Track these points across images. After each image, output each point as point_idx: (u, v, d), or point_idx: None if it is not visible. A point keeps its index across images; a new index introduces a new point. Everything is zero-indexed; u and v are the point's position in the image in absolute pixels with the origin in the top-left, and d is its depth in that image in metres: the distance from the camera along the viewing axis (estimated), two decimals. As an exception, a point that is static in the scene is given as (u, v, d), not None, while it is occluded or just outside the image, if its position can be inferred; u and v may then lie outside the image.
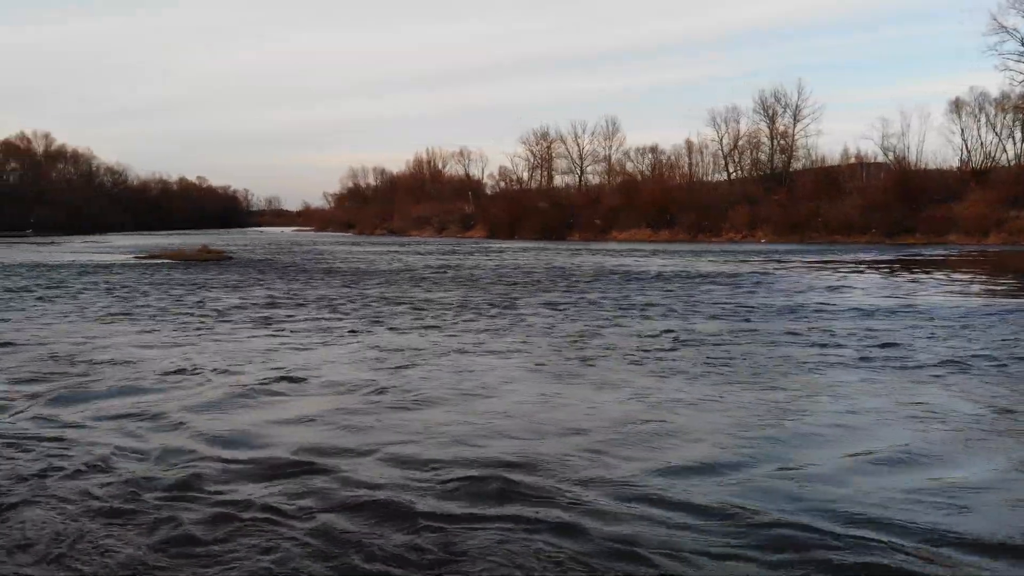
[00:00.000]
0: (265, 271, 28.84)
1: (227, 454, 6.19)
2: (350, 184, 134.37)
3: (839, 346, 11.39)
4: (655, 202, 65.81)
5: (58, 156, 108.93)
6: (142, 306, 17.09)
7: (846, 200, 59.00)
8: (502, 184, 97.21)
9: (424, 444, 6.46)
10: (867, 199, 57.29)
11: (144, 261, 35.06)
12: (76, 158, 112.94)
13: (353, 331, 13.29)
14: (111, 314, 15.66)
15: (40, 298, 18.78)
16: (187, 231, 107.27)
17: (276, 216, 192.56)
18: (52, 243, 59.23)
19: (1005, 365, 9.80)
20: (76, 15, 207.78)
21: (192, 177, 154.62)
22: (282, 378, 9.19)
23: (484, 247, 51.88)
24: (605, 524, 4.74)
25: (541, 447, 6.37)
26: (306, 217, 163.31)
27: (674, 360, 10.40)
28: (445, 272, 28.19)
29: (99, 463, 5.91)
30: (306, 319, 14.94)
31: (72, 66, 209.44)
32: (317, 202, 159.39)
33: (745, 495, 5.22)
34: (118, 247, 50.88)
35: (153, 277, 25.75)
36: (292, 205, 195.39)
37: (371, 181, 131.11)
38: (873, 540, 4.47)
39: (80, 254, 41.46)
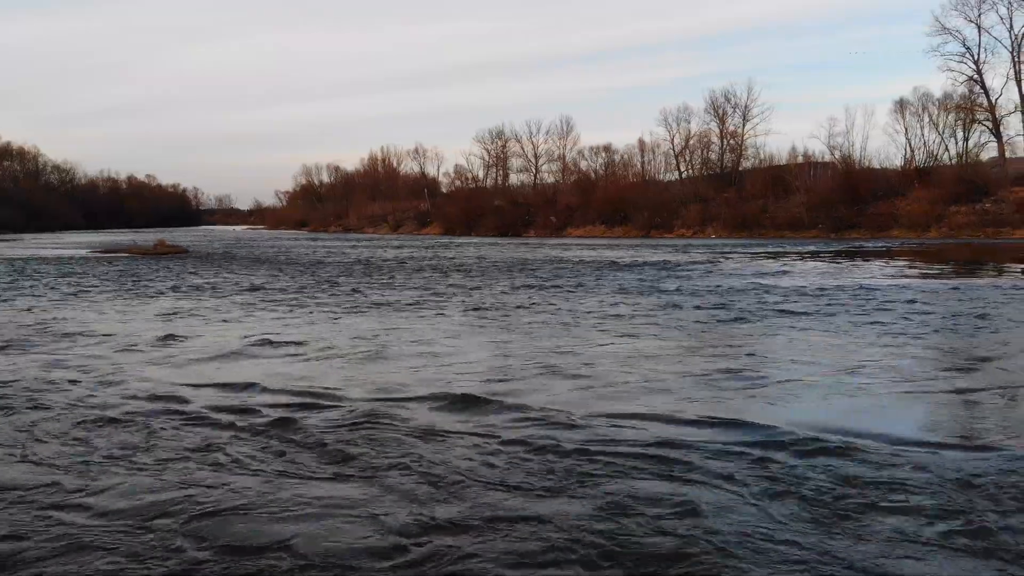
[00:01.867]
0: (223, 263, 29.08)
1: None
2: (303, 182, 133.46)
3: (773, 312, 12.33)
4: (609, 200, 66.89)
5: (3, 153, 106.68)
6: (104, 290, 17.39)
7: (793, 198, 60.61)
8: (458, 183, 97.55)
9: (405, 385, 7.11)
10: (813, 197, 58.94)
11: (101, 255, 34.97)
12: (22, 155, 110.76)
13: (325, 309, 13.84)
14: (71, 299, 15.97)
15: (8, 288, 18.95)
16: (138, 229, 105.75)
17: (227, 215, 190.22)
18: (3, 240, 58.32)
19: (909, 322, 10.85)
20: (23, 14, 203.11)
21: (141, 176, 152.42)
22: (267, 342, 9.75)
23: (442, 243, 52.38)
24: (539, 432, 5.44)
25: (503, 380, 7.06)
26: (258, 216, 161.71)
27: (621, 323, 11.17)
28: (404, 264, 28.73)
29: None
30: (276, 301, 15.43)
31: (17, 66, 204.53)
32: (269, 200, 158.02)
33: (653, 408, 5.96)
34: (72, 243, 50.41)
35: (116, 267, 25.87)
36: (243, 204, 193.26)
37: (325, 179, 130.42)
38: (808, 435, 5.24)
39: (36, 249, 41.12)
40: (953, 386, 7.43)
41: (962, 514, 4.15)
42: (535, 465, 5.02)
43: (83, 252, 37.26)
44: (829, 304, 14.04)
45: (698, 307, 13.91)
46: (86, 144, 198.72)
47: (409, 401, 6.75)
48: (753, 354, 9.24)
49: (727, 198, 63.45)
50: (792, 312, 13.01)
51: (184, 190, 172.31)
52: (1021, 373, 7.98)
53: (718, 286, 17.93)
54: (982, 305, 13.62)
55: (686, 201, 64.81)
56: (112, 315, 13.26)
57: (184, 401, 6.79)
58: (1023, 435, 5.67)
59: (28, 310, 14.03)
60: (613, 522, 4.08)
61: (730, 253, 34.24)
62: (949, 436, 5.72)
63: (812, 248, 38.78)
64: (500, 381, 7.64)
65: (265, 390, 7.21)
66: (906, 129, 63.75)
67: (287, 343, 10.02)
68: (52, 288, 18.44)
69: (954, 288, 16.81)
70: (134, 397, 6.97)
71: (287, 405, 6.58)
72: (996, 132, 59.50)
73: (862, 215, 55.40)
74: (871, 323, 11.60)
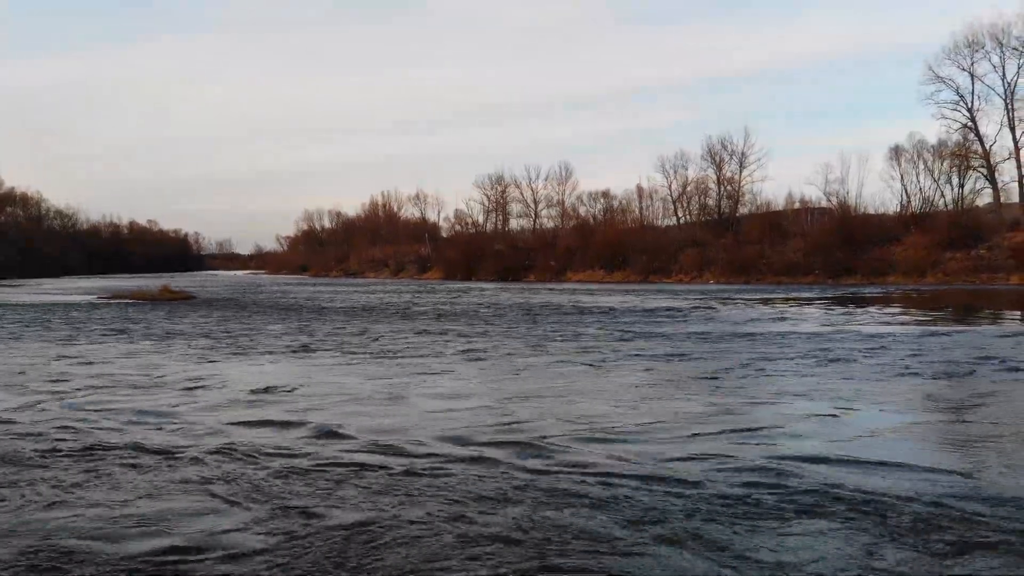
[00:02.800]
0: (231, 308, 29.49)
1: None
2: (305, 226, 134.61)
3: (771, 356, 12.72)
4: (608, 245, 67.58)
5: (7, 199, 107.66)
6: (119, 337, 17.78)
7: (790, 243, 61.29)
8: (458, 227, 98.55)
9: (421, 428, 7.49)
10: (810, 242, 59.59)
11: (109, 301, 35.39)
12: (25, 201, 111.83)
13: (342, 354, 14.22)
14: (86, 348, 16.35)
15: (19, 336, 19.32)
16: (140, 274, 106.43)
17: (228, 259, 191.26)
18: (7, 286, 58.77)
19: (907, 367, 11.22)
20: (16, 58, 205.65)
21: (143, 221, 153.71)
22: (277, 388, 10.11)
23: (446, 288, 52.84)
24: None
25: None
26: (259, 260, 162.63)
27: (625, 368, 11.56)
28: (410, 308, 29.15)
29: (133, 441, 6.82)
30: (282, 348, 15.82)
31: (17, 110, 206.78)
32: (270, 245, 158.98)
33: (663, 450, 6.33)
34: (75, 289, 50.88)
35: (126, 313, 26.26)
36: (244, 248, 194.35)
37: (326, 223, 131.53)
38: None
39: (40, 295, 41.56)
40: (952, 426, 7.83)
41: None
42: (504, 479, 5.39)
43: (91, 298, 37.70)
44: (825, 350, 14.44)
45: (695, 353, 14.31)
46: (88, 187, 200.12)
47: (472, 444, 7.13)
48: (749, 396, 9.64)
49: (725, 243, 64.10)
50: (789, 358, 13.41)
51: (185, 235, 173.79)
52: (1014, 414, 8.37)
53: (716, 332, 18.34)
54: (978, 350, 14.03)
55: (684, 246, 65.44)
56: (124, 361, 13.66)
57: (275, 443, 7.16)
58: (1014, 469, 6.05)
59: (56, 358, 14.41)
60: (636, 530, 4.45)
61: (728, 299, 34.69)
62: (950, 473, 6.08)
63: (809, 294, 39.24)
64: (510, 423, 8.02)
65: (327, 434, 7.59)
66: (902, 176, 64.73)
67: (299, 386, 10.41)
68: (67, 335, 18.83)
69: (948, 334, 17.23)
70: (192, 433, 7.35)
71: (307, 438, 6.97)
72: (991, 178, 60.43)
73: (859, 260, 55.96)
74: (866, 368, 12.00)
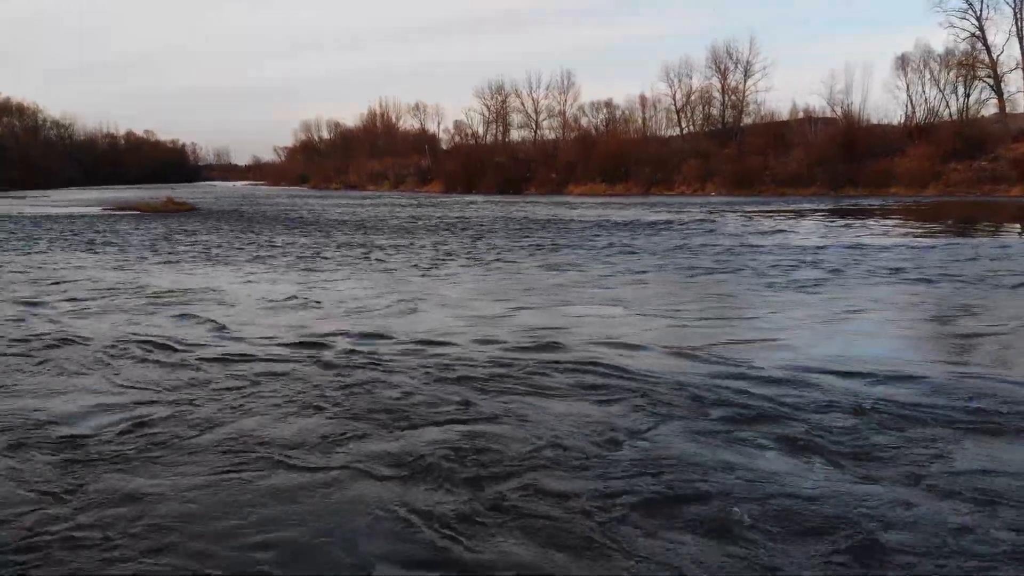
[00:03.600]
0: (235, 222, 29.74)
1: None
2: (303, 137, 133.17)
3: (768, 268, 13.13)
4: (610, 156, 67.18)
5: (3, 109, 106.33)
6: (148, 252, 18.14)
7: (793, 154, 60.99)
8: (457, 138, 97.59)
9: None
10: (813, 153, 59.31)
11: (115, 212, 35.60)
12: (21, 111, 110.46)
13: (347, 267, 14.61)
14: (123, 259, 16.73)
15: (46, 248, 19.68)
16: (138, 185, 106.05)
17: (226, 170, 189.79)
18: (12, 197, 58.78)
19: (900, 277, 11.66)
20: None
21: (139, 131, 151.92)
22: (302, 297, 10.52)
23: (446, 201, 52.92)
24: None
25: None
26: (257, 171, 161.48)
27: (628, 278, 11.96)
28: (416, 221, 29.43)
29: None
30: (292, 260, 16.20)
31: (13, 24, 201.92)
32: (267, 156, 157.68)
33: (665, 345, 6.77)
34: (78, 200, 50.93)
35: (135, 226, 26.56)
36: (242, 159, 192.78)
37: (324, 134, 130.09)
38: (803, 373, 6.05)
39: (47, 208, 41.70)
40: (945, 329, 8.28)
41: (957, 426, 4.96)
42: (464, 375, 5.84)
43: (96, 210, 37.89)
44: (824, 261, 14.82)
45: (695, 265, 14.69)
46: (83, 98, 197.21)
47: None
48: (744, 303, 10.07)
49: (728, 154, 63.78)
50: (788, 267, 13.79)
51: (183, 145, 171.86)
52: (1010, 321, 8.79)
53: (714, 244, 18.70)
54: (972, 262, 14.42)
55: (686, 157, 65.11)
56: (159, 274, 14.06)
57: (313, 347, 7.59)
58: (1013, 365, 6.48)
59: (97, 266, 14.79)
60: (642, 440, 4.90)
61: (729, 211, 34.91)
62: (937, 369, 6.50)
63: (810, 206, 39.42)
64: (531, 329, 8.45)
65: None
66: (907, 85, 63.87)
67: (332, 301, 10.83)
68: (95, 246, 19.18)
69: (945, 246, 17.58)
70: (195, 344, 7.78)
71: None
72: (997, 88, 59.75)
73: (861, 172, 55.79)
74: (864, 278, 12.39)
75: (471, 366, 7.06)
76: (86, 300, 11.13)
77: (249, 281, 13.11)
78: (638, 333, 8.56)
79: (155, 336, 8.47)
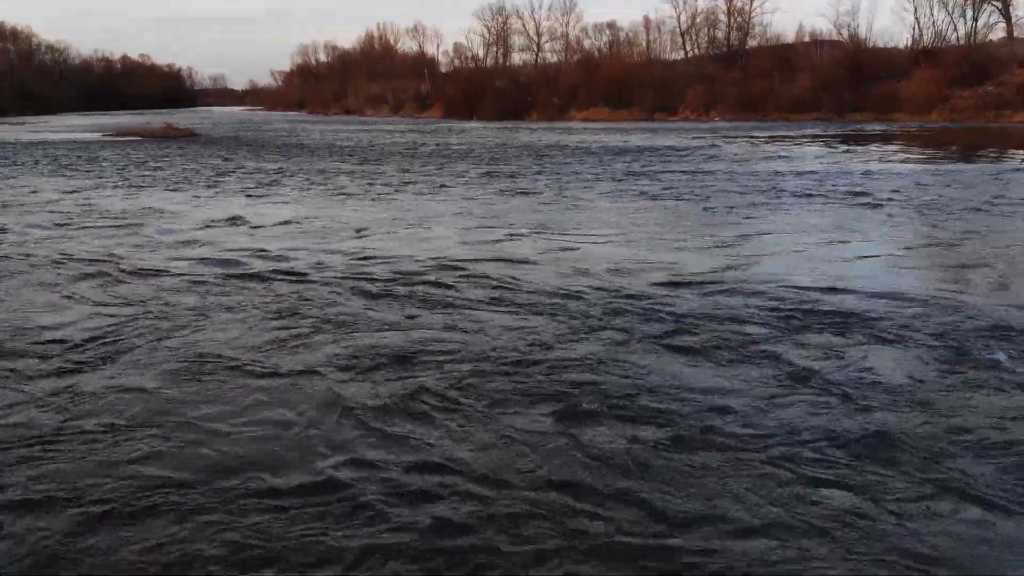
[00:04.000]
0: (237, 147, 29.69)
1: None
2: (299, 61, 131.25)
3: (770, 193, 13.27)
4: (614, 80, 66.35)
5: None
6: (142, 176, 18.24)
7: (798, 79, 60.28)
8: (457, 62, 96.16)
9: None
10: (818, 78, 58.62)
11: (115, 139, 35.47)
12: (15, 36, 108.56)
13: (354, 193, 14.76)
14: (123, 182, 16.85)
15: (46, 172, 19.77)
16: (135, 111, 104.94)
17: (222, 95, 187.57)
18: (9, 123, 58.33)
19: (902, 202, 11.81)
20: None
21: (134, 55, 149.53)
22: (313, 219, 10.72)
23: (447, 126, 52.58)
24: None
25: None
26: (254, 96, 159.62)
27: (628, 201, 12.14)
28: (417, 148, 29.38)
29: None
30: (298, 186, 16.33)
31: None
32: (264, 81, 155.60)
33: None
34: (77, 126, 50.63)
35: (137, 152, 26.56)
36: (238, 84, 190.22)
37: (322, 58, 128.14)
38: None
39: (47, 133, 41.51)
40: (941, 256, 8.54)
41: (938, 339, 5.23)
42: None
43: (95, 136, 37.73)
44: (826, 186, 14.95)
45: (696, 191, 14.82)
46: (78, 23, 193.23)
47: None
48: (747, 226, 10.27)
49: (733, 78, 63.02)
50: (789, 193, 13.94)
51: (179, 69, 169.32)
52: (1009, 246, 9.01)
53: (718, 170, 18.78)
54: (974, 189, 14.55)
55: (691, 81, 64.33)
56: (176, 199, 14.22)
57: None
58: (1007, 289, 6.72)
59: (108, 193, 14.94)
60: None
61: (734, 136, 34.78)
62: (929, 290, 6.75)
63: (815, 131, 39.22)
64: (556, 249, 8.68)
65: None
66: (915, 8, 62.82)
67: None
68: (102, 173, 19.28)
69: (948, 172, 17.67)
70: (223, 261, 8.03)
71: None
72: (1005, 13, 58.80)
73: (866, 97, 55.28)
74: (864, 203, 12.56)
75: (440, 285, 7.30)
76: (93, 222, 11.33)
77: (252, 205, 13.28)
78: (633, 256, 8.78)
79: (168, 256, 8.72)
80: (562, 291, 7.17)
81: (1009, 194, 13.81)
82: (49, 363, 5.32)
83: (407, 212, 12.55)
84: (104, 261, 8.68)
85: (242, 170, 20.20)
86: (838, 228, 10.60)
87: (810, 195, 14.01)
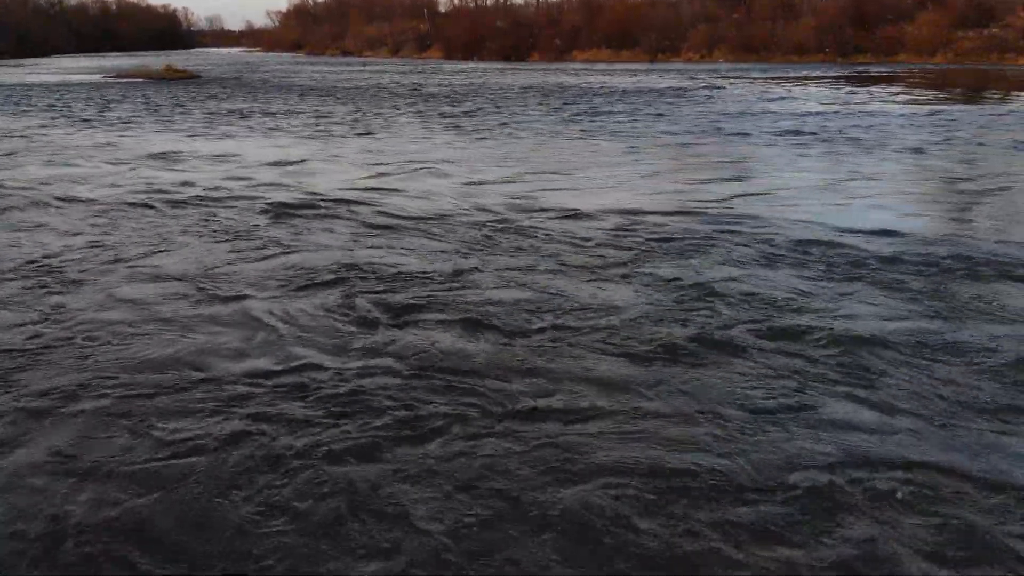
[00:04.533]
0: (242, 89, 29.72)
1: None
2: (297, 1, 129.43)
3: (774, 133, 13.56)
4: (616, 21, 65.69)
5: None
6: (149, 116, 18.46)
7: (802, 20, 59.69)
8: (457, 2, 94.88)
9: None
10: (821, 19, 58.06)
11: (118, 80, 35.39)
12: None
13: (359, 133, 15.03)
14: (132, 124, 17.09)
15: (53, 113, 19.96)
16: (131, 53, 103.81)
17: (219, 37, 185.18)
18: (8, 65, 57.87)
19: (900, 142, 12.13)
20: None
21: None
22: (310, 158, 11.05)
23: (448, 68, 52.28)
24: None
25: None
26: (250, 38, 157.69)
27: (628, 142, 12.44)
28: (419, 90, 29.43)
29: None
30: (303, 124, 16.58)
31: None
32: (261, 21, 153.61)
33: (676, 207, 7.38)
34: (76, 68, 50.30)
35: (142, 92, 26.63)
36: (234, 25, 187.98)
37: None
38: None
39: (47, 75, 41.33)
40: (937, 194, 8.89)
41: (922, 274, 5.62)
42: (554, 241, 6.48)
43: (96, 78, 37.62)
44: (830, 127, 15.21)
45: (700, 128, 15.09)
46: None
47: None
48: (749, 166, 10.60)
49: (736, 20, 62.39)
50: (791, 131, 14.22)
51: (174, 10, 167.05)
52: (1005, 184, 9.36)
53: (723, 111, 18.98)
54: (974, 129, 14.81)
55: (694, 22, 63.69)
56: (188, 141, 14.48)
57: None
58: (1002, 229, 7.10)
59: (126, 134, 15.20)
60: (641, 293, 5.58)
61: (737, 78, 34.73)
62: (921, 227, 7.13)
63: (818, 73, 39.11)
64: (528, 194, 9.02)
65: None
66: (921, -53, 61.76)
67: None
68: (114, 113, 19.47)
69: (950, 112, 17.88)
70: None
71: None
72: (1013, -48, 57.84)
73: (870, 39, 54.86)
74: (867, 143, 12.85)
75: (445, 219, 7.67)
76: (113, 163, 11.65)
77: (268, 146, 13.58)
78: (642, 194, 9.13)
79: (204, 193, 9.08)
80: (571, 218, 7.55)
81: (1007, 135, 14.09)
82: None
83: (428, 152, 12.85)
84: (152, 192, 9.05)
85: (261, 110, 20.38)
86: (844, 166, 10.91)
87: (812, 133, 14.28)
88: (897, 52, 53.08)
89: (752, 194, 8.95)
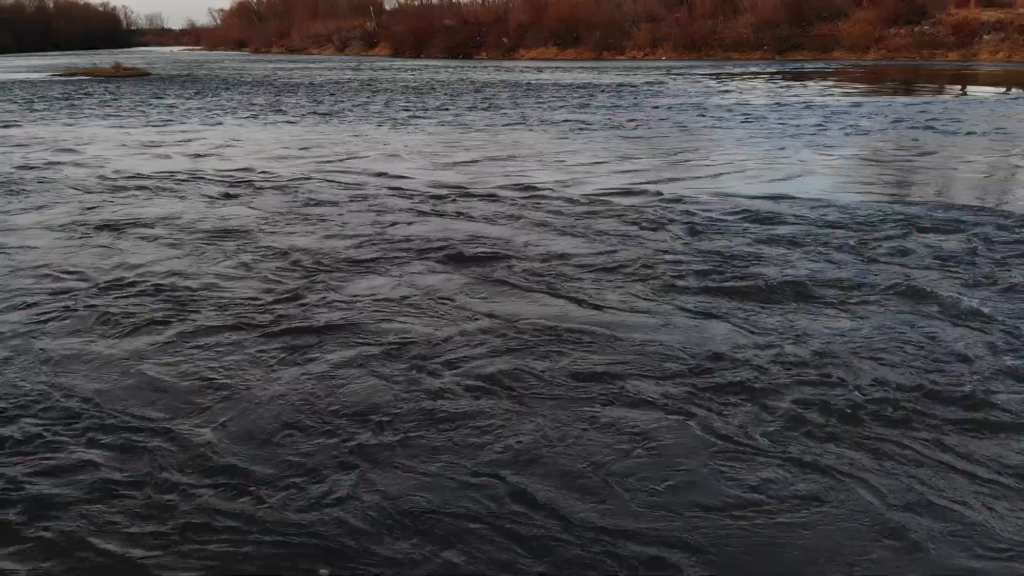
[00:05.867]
0: (197, 85, 29.98)
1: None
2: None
3: (712, 122, 14.61)
4: (562, 20, 66.80)
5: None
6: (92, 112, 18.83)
7: (742, 19, 61.46)
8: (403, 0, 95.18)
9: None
10: (760, 17, 59.87)
11: (66, 78, 35.27)
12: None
13: (314, 120, 15.69)
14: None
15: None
16: (72, 52, 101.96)
17: (160, 35, 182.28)
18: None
19: (820, 125, 13.28)
20: None
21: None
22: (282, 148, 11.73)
23: (397, 65, 52.76)
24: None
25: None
26: (192, 36, 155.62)
27: (576, 133, 13.35)
28: (371, 84, 30.00)
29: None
30: (258, 116, 17.15)
31: None
32: (203, 19, 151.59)
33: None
34: (20, 67, 49.65)
35: (91, 90, 26.77)
36: (175, 24, 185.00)
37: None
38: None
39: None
40: (868, 168, 9.94)
41: (861, 236, 6.58)
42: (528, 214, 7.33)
43: (43, 76, 37.40)
44: (764, 116, 16.31)
45: (645, 119, 16.07)
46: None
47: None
48: (693, 149, 11.58)
49: (678, 18, 63.94)
50: (730, 120, 15.28)
51: (113, 8, 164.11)
52: (931, 161, 10.45)
53: (665, 103, 20.03)
54: (901, 116, 16.04)
55: (638, 21, 65.08)
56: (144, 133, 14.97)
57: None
58: (921, 192, 8.12)
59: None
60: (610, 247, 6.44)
61: (678, 74, 35.96)
62: (853, 193, 8.12)
63: (756, 69, 40.57)
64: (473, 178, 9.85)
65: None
66: (858, -55, 63.78)
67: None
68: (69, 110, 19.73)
69: (875, 103, 19.17)
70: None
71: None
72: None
73: (806, 36, 56.75)
74: (800, 129, 13.95)
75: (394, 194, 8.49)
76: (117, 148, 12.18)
77: (233, 131, 14.19)
78: (585, 174, 10.03)
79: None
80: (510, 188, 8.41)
81: (935, 121, 15.33)
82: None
83: (385, 140, 13.59)
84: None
85: (219, 104, 20.83)
86: (779, 149, 11.94)
87: (747, 121, 15.35)
88: (833, 49, 55.00)
89: (693, 173, 9.89)
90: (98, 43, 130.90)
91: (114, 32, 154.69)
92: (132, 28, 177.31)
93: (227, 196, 8.69)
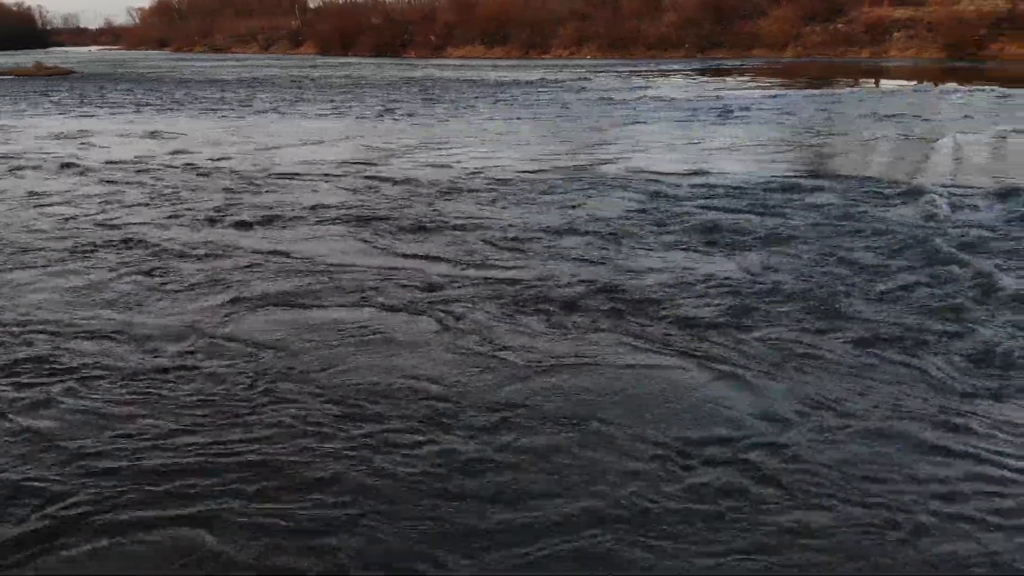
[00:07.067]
0: (120, 83, 29.70)
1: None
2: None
3: (634, 113, 15.46)
4: (489, 19, 67.41)
5: None
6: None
7: (665, 18, 62.93)
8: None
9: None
10: (682, 16, 61.41)
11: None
12: None
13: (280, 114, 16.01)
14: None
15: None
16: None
17: (76, 35, 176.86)
18: None
19: (736, 116, 14.26)
20: None
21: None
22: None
23: (324, 63, 52.69)
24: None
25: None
26: (110, 35, 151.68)
27: (504, 121, 14.01)
28: (305, 80, 30.17)
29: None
30: (188, 110, 17.36)
31: None
32: (121, 19, 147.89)
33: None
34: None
35: (15, 89, 26.37)
36: (93, 23, 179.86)
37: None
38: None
39: None
40: (786, 151, 10.87)
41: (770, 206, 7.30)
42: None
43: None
44: (684, 108, 17.21)
45: (568, 112, 16.82)
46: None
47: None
48: (616, 137, 12.38)
49: (604, 18, 65.12)
50: (651, 111, 16.14)
51: (28, 8, 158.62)
52: (841, 140, 11.35)
53: (588, 97, 20.84)
54: (814, 107, 17.13)
55: (564, 20, 66.08)
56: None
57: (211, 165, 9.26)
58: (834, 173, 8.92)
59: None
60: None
61: (603, 72, 36.93)
62: (769, 173, 8.90)
63: (677, 67, 41.84)
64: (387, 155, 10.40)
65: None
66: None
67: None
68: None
69: (784, 96, 20.29)
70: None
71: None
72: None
73: (727, 35, 58.39)
74: (719, 118, 14.85)
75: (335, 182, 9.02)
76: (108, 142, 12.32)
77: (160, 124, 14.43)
78: (518, 158, 10.67)
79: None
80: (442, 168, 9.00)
81: (842, 110, 16.42)
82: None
83: (316, 130, 14.01)
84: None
85: (148, 99, 20.86)
86: (695, 135, 12.81)
87: (667, 112, 16.23)
88: (753, 47, 56.71)
89: (617, 155, 10.61)
90: (13, 44, 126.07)
91: (30, 33, 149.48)
92: (47, 28, 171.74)
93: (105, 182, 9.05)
